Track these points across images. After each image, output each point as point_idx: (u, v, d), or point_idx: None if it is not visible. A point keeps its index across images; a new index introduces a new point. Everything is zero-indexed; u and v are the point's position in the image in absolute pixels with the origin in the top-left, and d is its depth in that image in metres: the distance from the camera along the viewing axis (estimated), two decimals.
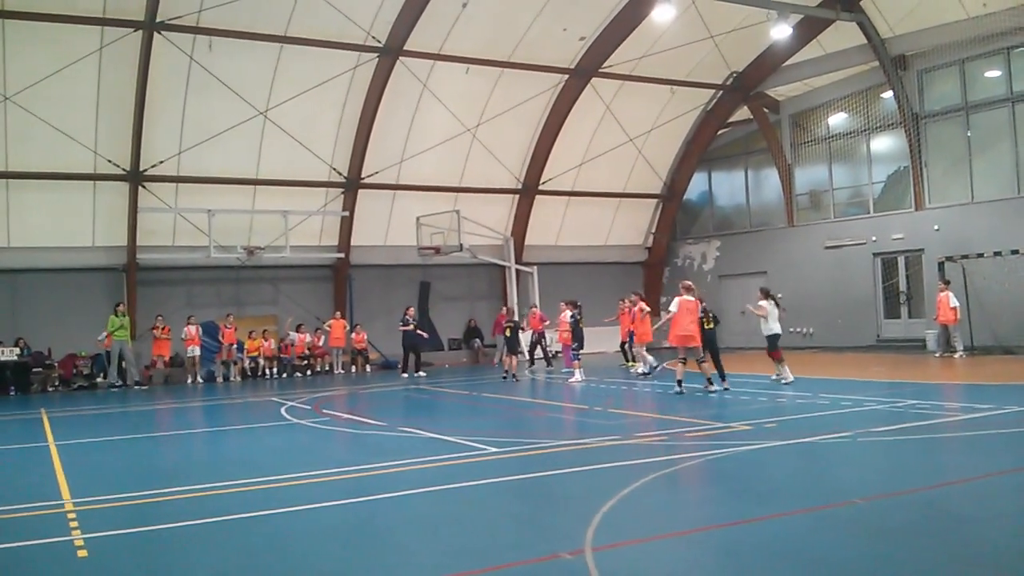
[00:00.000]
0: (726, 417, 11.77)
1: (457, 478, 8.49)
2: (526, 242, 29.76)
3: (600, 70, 26.94)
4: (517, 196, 29.36)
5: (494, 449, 10.04)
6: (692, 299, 15.56)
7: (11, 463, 10.93)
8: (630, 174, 30.85)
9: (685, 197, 32.57)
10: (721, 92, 29.46)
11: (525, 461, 9.34)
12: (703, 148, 31.26)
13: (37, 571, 5.94)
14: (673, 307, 15.49)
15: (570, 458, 9.36)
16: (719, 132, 31.21)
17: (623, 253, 32.49)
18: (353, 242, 26.93)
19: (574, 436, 10.66)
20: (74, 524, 7.04)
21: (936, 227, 24.65)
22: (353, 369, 25.67)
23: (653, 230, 32.81)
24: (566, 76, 27.01)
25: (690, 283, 16.22)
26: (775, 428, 10.87)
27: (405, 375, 23.05)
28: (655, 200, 32.30)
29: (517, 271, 28.91)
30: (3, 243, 22.79)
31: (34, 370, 22.22)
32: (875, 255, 26.58)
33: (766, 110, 29.50)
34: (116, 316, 22.39)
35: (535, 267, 29.08)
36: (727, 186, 32.36)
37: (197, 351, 23.52)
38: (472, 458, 9.60)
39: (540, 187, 29.12)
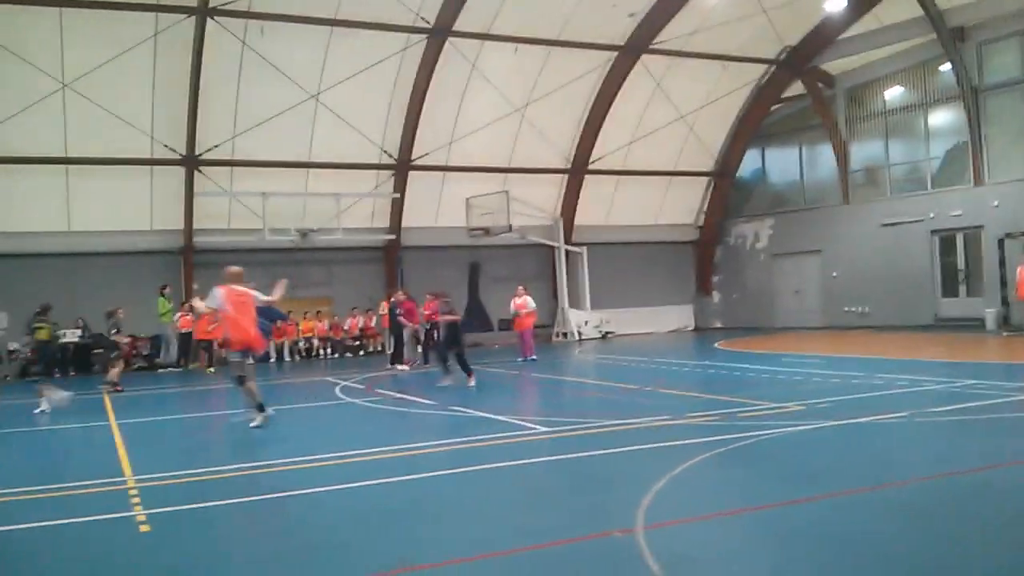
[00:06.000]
0: (779, 397, 11.64)
1: (507, 457, 8.55)
2: (575, 222, 29.67)
3: (650, 47, 26.65)
4: (566, 176, 29.26)
5: (544, 428, 10.08)
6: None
7: (75, 441, 11.28)
8: (681, 152, 30.52)
9: (737, 175, 32.14)
10: (774, 67, 28.95)
11: (575, 441, 9.36)
12: (756, 125, 30.79)
13: (102, 545, 6.13)
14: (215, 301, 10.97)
15: (620, 438, 9.36)
16: (772, 108, 30.70)
17: (674, 232, 32.22)
18: (403, 223, 27.13)
19: (624, 416, 10.64)
20: (136, 500, 7.24)
21: (995, 203, 24.01)
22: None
23: (705, 209, 32.48)
24: (615, 53, 26.77)
25: (238, 270, 11.27)
26: (828, 408, 10.74)
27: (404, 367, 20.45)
28: (707, 178, 31.95)
29: (566, 251, 28.86)
30: (64, 228, 23.37)
31: (94, 351, 22.83)
32: (932, 232, 25.98)
33: (820, 85, 28.91)
34: (163, 298, 22.86)
35: (584, 247, 29.02)
36: (781, 163, 31.81)
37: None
38: (522, 437, 9.66)
39: (589, 166, 28.98)
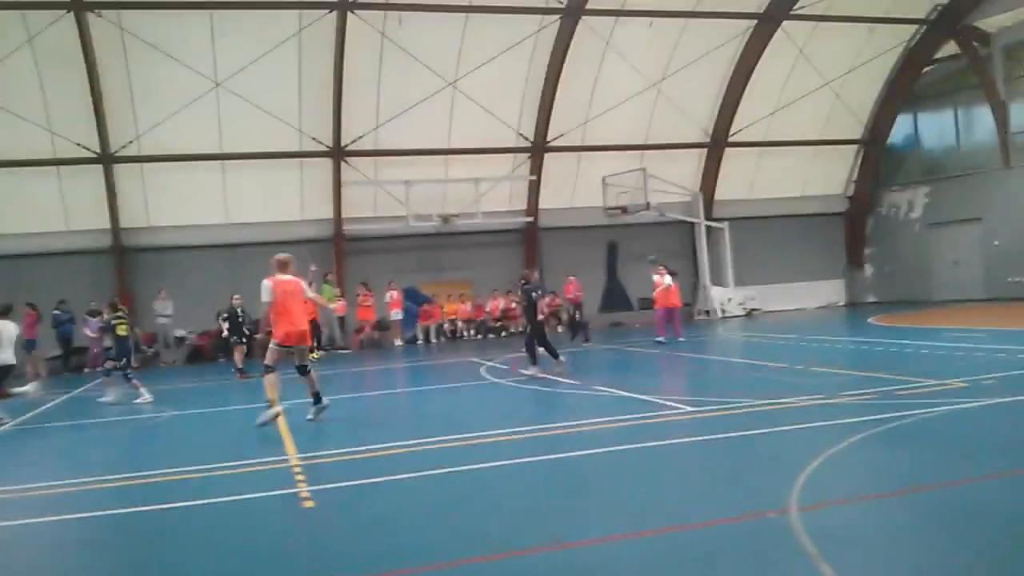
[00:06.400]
0: (941, 374, 11.09)
1: (653, 436, 8.53)
2: (716, 197, 29.06)
3: (791, 12, 25.73)
4: (706, 150, 28.67)
5: (690, 408, 9.98)
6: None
7: (240, 422, 11.94)
8: (827, 120, 29.37)
9: (889, 141, 30.63)
10: (925, 27, 27.38)
11: (723, 420, 9.23)
12: (906, 88, 29.26)
13: (269, 520, 6.50)
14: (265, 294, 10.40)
15: (772, 417, 9.15)
16: (924, 70, 29.07)
17: (822, 204, 31.05)
18: (541, 205, 27.30)
19: (775, 395, 10.38)
20: (300, 477, 7.61)
21: None
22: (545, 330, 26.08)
23: (855, 178, 31.15)
24: (755, 22, 26.01)
25: (286, 257, 10.72)
26: (994, 385, 10.14)
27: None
28: (856, 146, 30.63)
29: (707, 227, 28.31)
30: (222, 220, 24.79)
31: (255, 336, 24.05)
32: None
33: (976, 44, 27.09)
34: (327, 284, 23.84)
35: (726, 222, 28.40)
36: (935, 128, 30.04)
37: (399, 315, 24.75)
38: (668, 417, 9.60)
39: (730, 139, 28.30)
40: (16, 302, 21.74)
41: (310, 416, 10.58)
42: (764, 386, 11.68)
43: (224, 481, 7.79)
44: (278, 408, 10.22)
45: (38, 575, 5.73)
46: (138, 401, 14.08)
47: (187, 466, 8.49)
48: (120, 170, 23.55)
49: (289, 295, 10.31)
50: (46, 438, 11.69)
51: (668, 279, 19.65)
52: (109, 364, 14.96)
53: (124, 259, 23.97)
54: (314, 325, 22.10)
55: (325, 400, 10.74)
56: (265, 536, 6.05)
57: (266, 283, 10.32)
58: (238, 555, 5.67)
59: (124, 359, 14.52)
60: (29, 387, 14.00)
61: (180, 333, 24.00)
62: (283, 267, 10.50)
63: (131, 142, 23.20)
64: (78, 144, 22.73)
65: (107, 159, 23.11)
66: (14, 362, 13.09)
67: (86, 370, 22.20)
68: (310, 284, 20.48)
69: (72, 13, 21.01)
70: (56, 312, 22.09)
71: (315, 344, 22.60)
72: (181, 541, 6.13)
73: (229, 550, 5.80)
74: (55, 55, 21.63)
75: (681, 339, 19.24)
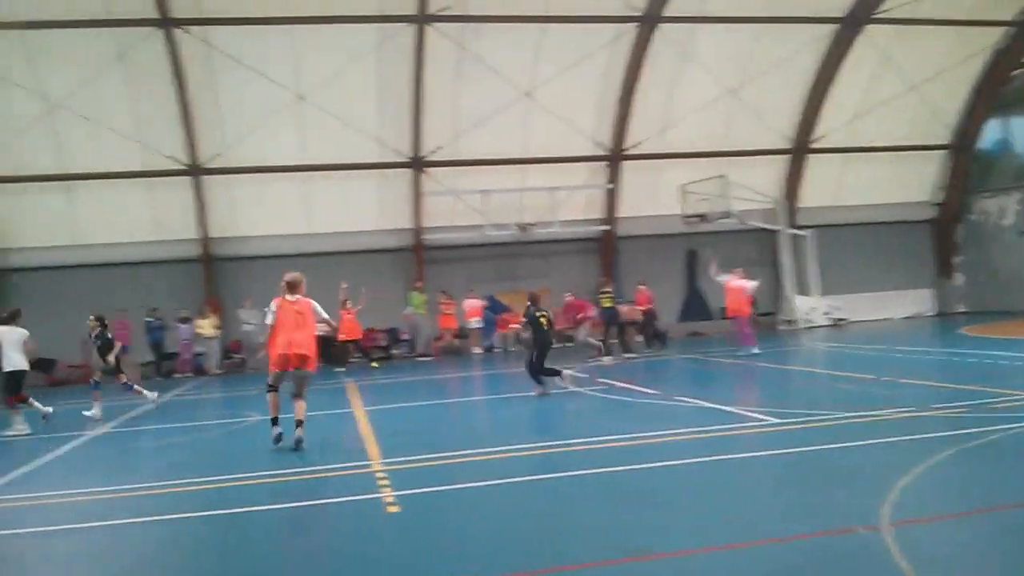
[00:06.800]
0: None
1: (737, 448, 8.41)
2: (799, 204, 28.50)
3: (873, 16, 25.12)
4: (787, 157, 28.16)
5: (775, 420, 9.80)
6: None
7: (325, 427, 12.17)
8: (912, 125, 28.49)
9: (978, 146, 29.55)
10: (1014, 29, 26.40)
11: (810, 433, 9.03)
12: (995, 92, 28.21)
13: (356, 525, 6.63)
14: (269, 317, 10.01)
15: (860, 430, 8.91)
16: (1013, 73, 28.00)
17: (909, 211, 30.11)
18: (618, 213, 27.16)
19: (862, 407, 10.12)
20: (383, 483, 7.73)
21: None
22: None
23: (942, 184, 30.15)
24: (836, 26, 25.45)
25: (294, 277, 10.16)
26: None
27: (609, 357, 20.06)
28: (943, 151, 29.65)
29: (790, 235, 27.77)
30: (306, 230, 25.33)
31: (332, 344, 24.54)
32: None
33: None
34: (415, 292, 24.21)
35: (810, 230, 27.82)
36: None
37: (478, 323, 24.95)
38: (752, 429, 9.45)
39: (811, 145, 27.73)
40: (108, 310, 22.77)
41: (290, 435, 9.71)
42: (851, 398, 11.39)
43: (310, 485, 7.96)
44: (278, 429, 9.74)
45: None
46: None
47: (274, 469, 8.69)
48: (208, 181, 24.30)
49: (293, 316, 9.69)
50: (137, 441, 12.10)
51: (745, 282, 18.68)
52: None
53: (212, 268, 24.70)
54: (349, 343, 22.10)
55: (301, 433, 9.66)
56: (352, 541, 6.17)
57: (272, 304, 9.92)
58: (326, 559, 5.78)
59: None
60: (95, 411, 14.33)
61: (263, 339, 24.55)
62: (291, 287, 9.95)
63: (218, 154, 23.92)
64: (168, 156, 23.54)
65: (195, 171, 23.88)
66: (26, 367, 13.19)
67: (176, 375, 22.97)
68: (344, 303, 20.86)
69: (161, 30, 21.79)
70: (148, 319, 22.92)
71: (362, 355, 22.81)
72: (271, 543, 6.28)
73: (318, 553, 5.92)
74: (145, 71, 22.46)
75: (755, 350, 18.44)
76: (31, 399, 13.23)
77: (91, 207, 23.89)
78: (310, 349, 9.76)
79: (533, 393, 13.51)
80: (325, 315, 10.10)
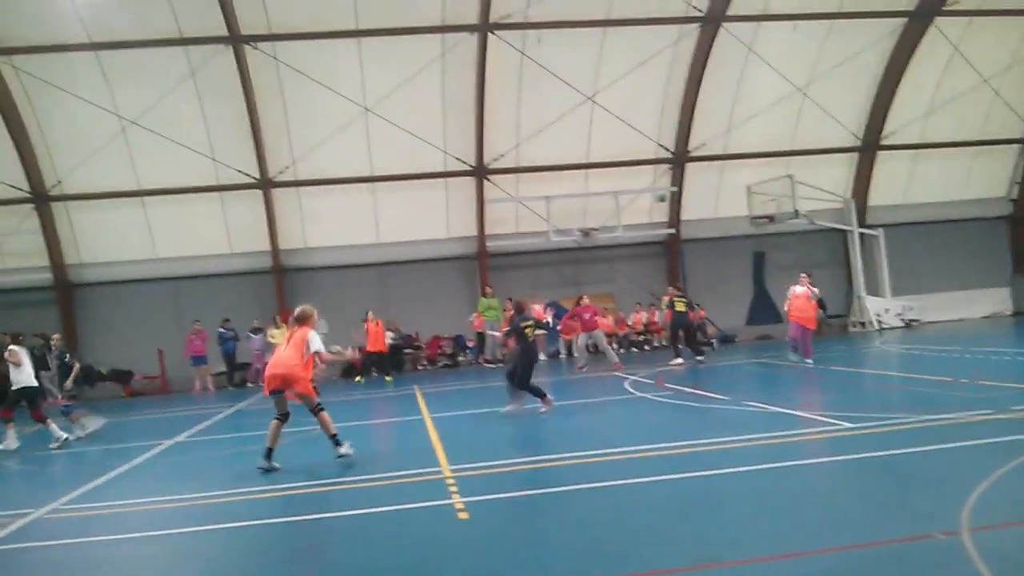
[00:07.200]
0: None
1: (811, 454, 8.27)
2: (869, 203, 27.91)
3: (943, 8, 24.50)
4: (856, 154, 27.60)
5: (849, 424, 9.60)
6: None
7: (394, 434, 12.36)
8: (986, 119, 27.73)
9: None
10: None
11: (885, 437, 8.83)
12: None
13: (427, 530, 6.68)
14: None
15: (936, 434, 8.69)
16: None
17: (983, 207, 29.27)
18: (683, 216, 26.95)
19: (939, 410, 9.86)
20: (453, 489, 7.79)
21: None
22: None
23: (1019, 179, 29.20)
24: (904, 20, 24.90)
25: (300, 311, 10.08)
26: None
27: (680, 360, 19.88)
28: (1019, 146, 28.73)
29: (860, 235, 27.19)
30: (373, 240, 25.70)
31: (405, 351, 24.87)
32: None
33: None
34: (485, 298, 24.34)
35: (881, 229, 27.22)
36: None
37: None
38: (826, 433, 9.27)
39: (881, 142, 27.14)
40: (182, 321, 23.44)
41: (261, 465, 9.44)
42: (928, 401, 11.11)
43: (383, 491, 8.06)
44: (275, 465, 9.45)
45: None
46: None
47: (345, 476, 8.82)
48: (278, 194, 24.84)
49: (285, 343, 9.73)
50: (211, 450, 12.38)
51: (810, 289, 17.44)
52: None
53: (282, 279, 25.22)
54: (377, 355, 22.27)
55: (265, 464, 9.42)
56: (424, 547, 6.22)
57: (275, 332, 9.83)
58: (399, 564, 5.85)
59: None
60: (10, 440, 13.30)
61: (336, 349, 24.91)
62: (297, 320, 9.92)
63: (287, 167, 24.44)
64: (239, 171, 24.13)
65: (266, 184, 24.43)
66: (35, 384, 13.29)
67: (249, 384, 23.49)
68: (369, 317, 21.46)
69: (230, 47, 22.36)
70: (221, 330, 23.51)
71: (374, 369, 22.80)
72: (345, 550, 6.38)
73: (389, 558, 6.00)
74: (215, 87, 23.11)
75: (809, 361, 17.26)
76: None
77: (165, 221, 24.66)
78: (289, 369, 9.50)
79: (504, 408, 12.94)
80: (316, 347, 9.61)
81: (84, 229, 24.60)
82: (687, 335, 20.21)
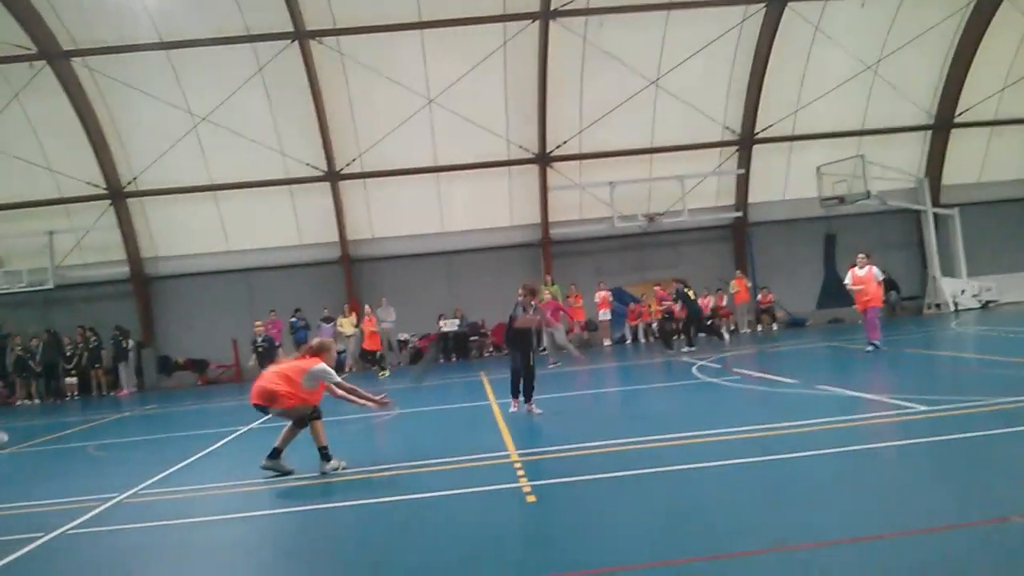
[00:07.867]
0: None
1: (882, 437, 8.16)
2: (944, 181, 27.13)
3: None
4: (929, 132, 26.84)
5: (923, 408, 9.41)
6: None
7: (463, 420, 12.49)
8: None
9: None
10: None
11: (961, 420, 8.64)
12: None
13: (497, 513, 6.79)
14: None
15: (1015, 416, 8.48)
16: None
17: None
18: (750, 199, 26.58)
19: (1018, 393, 9.60)
20: (520, 473, 7.88)
21: None
22: (759, 328, 25.37)
23: None
24: None
25: (320, 343, 9.43)
26: None
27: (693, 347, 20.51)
28: None
29: (935, 215, 26.46)
30: (438, 229, 25.96)
31: (471, 339, 25.10)
32: None
33: None
34: (545, 286, 24.36)
35: (956, 209, 26.45)
36: None
37: (607, 315, 24.91)
38: (899, 417, 9.12)
39: (956, 120, 26.34)
40: (254, 311, 23.98)
41: (264, 464, 8.97)
42: (1005, 384, 10.82)
43: (452, 475, 8.19)
44: (273, 462, 9.00)
45: (286, 558, 6.29)
46: None
47: (418, 460, 8.98)
48: (345, 186, 25.24)
49: (293, 369, 8.96)
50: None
51: (873, 270, 16.52)
52: None
53: (351, 269, 25.62)
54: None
55: (322, 467, 8.85)
56: (494, 529, 6.33)
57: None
58: (470, 545, 5.97)
59: None
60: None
61: (403, 337, 25.34)
62: (314, 350, 9.19)
63: (354, 159, 24.80)
64: (307, 164, 24.57)
65: (333, 176, 24.84)
66: None
67: None
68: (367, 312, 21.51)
69: (296, 42, 22.74)
70: (292, 320, 23.99)
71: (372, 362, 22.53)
72: (416, 531, 6.51)
73: (462, 540, 6.11)
74: (283, 82, 23.53)
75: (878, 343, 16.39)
76: None
77: (236, 215, 25.26)
78: (270, 384, 8.87)
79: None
80: (335, 379, 9.02)
81: (159, 224, 25.36)
82: (696, 324, 20.91)
